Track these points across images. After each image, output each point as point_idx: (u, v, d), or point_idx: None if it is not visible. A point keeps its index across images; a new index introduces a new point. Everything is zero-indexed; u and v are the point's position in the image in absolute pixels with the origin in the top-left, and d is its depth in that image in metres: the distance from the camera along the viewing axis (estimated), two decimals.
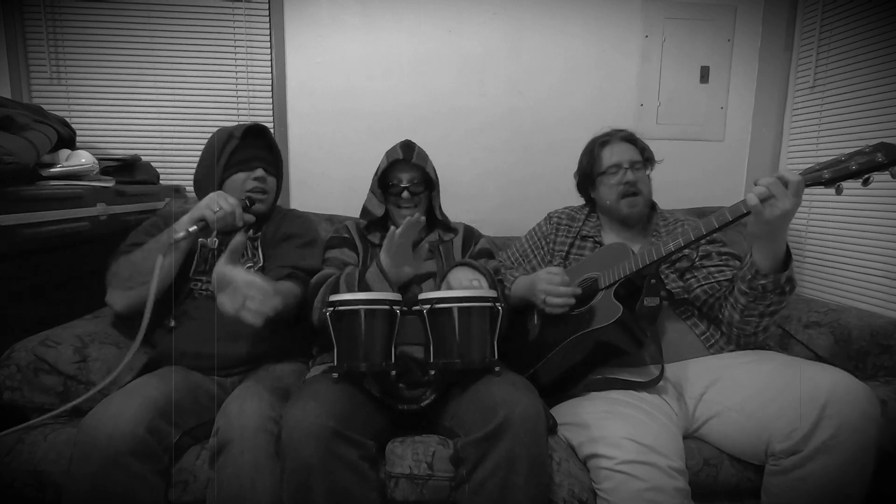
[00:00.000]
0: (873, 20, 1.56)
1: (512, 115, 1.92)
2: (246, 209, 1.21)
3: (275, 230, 1.31)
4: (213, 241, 1.23)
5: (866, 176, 0.90)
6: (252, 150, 1.27)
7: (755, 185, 0.98)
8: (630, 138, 1.37)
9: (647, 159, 1.36)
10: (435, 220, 1.38)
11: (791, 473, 0.94)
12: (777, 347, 1.39)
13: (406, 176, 1.31)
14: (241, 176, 1.25)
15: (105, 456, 0.87)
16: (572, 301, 1.12)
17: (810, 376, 0.98)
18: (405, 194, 1.30)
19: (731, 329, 1.16)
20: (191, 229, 1.09)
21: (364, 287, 1.09)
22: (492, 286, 1.12)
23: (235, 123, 1.32)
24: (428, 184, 1.34)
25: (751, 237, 1.04)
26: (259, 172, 1.26)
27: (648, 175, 1.36)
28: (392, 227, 1.10)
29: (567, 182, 1.47)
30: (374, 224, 1.36)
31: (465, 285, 1.08)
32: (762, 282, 1.06)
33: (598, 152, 1.37)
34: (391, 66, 1.86)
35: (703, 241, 1.19)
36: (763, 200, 0.96)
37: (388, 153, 1.34)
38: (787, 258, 1.04)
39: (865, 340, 1.28)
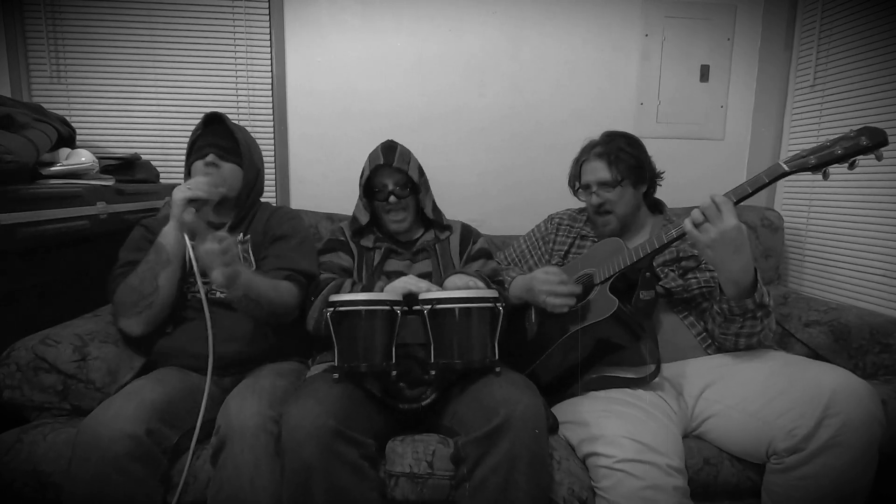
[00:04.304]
0: (873, 19, 1.56)
1: (512, 114, 1.91)
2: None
3: (263, 231, 1.29)
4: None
5: (852, 160, 0.91)
6: (210, 137, 1.26)
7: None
8: (603, 154, 1.29)
9: (623, 178, 1.26)
10: (427, 219, 1.35)
11: (794, 472, 0.94)
12: (776, 346, 1.39)
13: (390, 180, 1.28)
14: (199, 164, 1.24)
15: (105, 459, 0.87)
16: (572, 300, 1.11)
17: (813, 375, 0.98)
18: (392, 199, 1.28)
19: (715, 338, 1.16)
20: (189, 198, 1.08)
21: None
22: (488, 289, 1.11)
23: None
24: (414, 185, 1.30)
25: (706, 261, 1.03)
26: (209, 158, 1.24)
27: (634, 188, 1.28)
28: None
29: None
30: (363, 227, 1.33)
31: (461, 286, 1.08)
32: (725, 305, 1.06)
33: (576, 170, 1.37)
34: (391, 66, 1.86)
35: None
36: (697, 225, 0.97)
37: (370, 157, 1.31)
38: (754, 285, 1.02)
39: (865, 339, 1.28)
